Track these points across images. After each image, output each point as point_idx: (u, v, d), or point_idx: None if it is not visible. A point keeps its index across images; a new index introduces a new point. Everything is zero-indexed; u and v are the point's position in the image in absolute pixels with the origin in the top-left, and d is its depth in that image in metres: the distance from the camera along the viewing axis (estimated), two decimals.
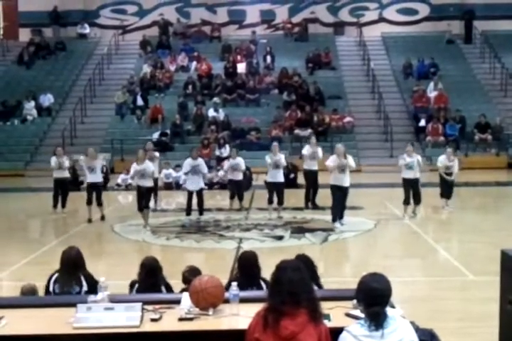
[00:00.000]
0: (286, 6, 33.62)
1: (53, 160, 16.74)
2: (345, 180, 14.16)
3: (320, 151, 16.81)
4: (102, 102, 28.89)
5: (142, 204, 14.71)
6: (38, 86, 28.98)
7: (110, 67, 31.40)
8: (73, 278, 6.26)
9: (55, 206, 16.56)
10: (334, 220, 14.31)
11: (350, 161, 14.21)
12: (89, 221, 15.28)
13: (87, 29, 33.57)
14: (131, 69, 30.84)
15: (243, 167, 17.10)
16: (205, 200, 15.84)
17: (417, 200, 15.37)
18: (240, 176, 16.98)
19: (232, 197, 17.01)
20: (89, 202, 15.39)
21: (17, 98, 28.20)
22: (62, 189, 16.72)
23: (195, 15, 33.71)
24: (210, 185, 20.81)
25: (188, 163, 15.57)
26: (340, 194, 14.20)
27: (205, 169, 15.76)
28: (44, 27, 32.90)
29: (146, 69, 29.76)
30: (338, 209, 14.35)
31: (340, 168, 14.00)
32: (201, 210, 15.61)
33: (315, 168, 16.76)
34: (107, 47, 31.81)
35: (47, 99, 28.29)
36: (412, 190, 15.25)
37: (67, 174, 16.94)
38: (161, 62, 30.24)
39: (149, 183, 14.77)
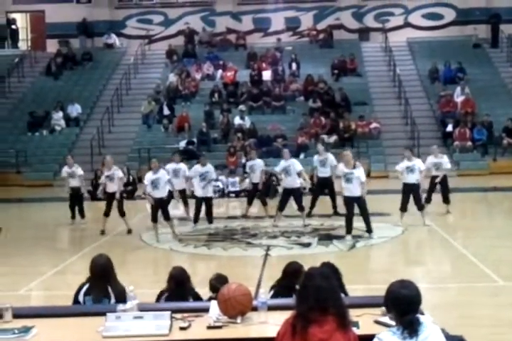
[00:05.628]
0: (310, 13, 33.61)
1: (64, 170, 16.92)
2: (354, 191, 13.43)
3: (331, 157, 16.51)
4: (129, 112, 29.05)
5: (155, 216, 14.38)
6: (66, 96, 29.21)
7: (137, 76, 31.59)
8: (102, 290, 6.22)
9: (73, 217, 16.69)
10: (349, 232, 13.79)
11: (360, 173, 13.53)
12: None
13: (113, 39, 33.83)
14: (157, 78, 30.96)
15: (261, 167, 16.82)
16: (233, 208, 15.84)
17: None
18: (257, 178, 16.69)
19: (249, 203, 16.91)
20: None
21: (45, 108, 28.45)
22: (77, 199, 16.73)
23: (221, 23, 33.82)
24: (238, 192, 20.87)
25: (195, 170, 15.62)
26: (351, 205, 13.59)
27: (213, 175, 15.82)
28: (71, 38, 33.21)
29: (172, 78, 29.89)
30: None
31: (345, 177, 13.49)
32: (210, 219, 15.57)
33: (327, 175, 16.45)
34: (133, 57, 31.98)
35: (75, 110, 28.49)
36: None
37: (78, 183, 16.68)
38: (187, 71, 30.36)
39: (161, 194, 14.30)
